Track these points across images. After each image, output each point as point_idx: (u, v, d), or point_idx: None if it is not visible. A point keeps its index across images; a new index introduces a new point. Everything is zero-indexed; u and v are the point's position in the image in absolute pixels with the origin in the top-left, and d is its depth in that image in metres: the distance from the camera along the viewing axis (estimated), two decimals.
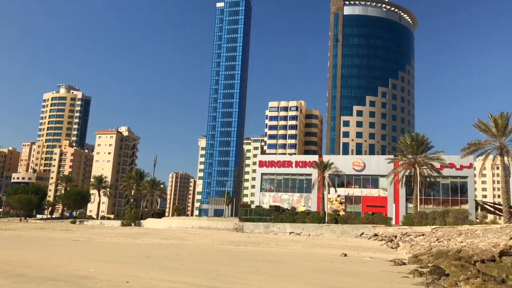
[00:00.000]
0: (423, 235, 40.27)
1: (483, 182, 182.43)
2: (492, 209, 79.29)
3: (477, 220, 57.56)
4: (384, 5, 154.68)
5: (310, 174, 79.87)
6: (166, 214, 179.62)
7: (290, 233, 57.58)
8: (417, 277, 14.07)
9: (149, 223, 72.54)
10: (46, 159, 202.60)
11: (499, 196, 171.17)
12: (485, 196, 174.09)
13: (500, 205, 77.66)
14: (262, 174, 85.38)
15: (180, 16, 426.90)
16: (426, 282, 12.52)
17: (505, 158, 49.03)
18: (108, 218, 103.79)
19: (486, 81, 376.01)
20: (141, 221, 75.11)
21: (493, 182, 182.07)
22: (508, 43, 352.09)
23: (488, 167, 54.93)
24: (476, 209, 74.13)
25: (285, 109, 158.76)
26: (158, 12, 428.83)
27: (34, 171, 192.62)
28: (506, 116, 48.44)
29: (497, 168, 53.18)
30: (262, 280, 12.56)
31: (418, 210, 61.50)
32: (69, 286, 10.55)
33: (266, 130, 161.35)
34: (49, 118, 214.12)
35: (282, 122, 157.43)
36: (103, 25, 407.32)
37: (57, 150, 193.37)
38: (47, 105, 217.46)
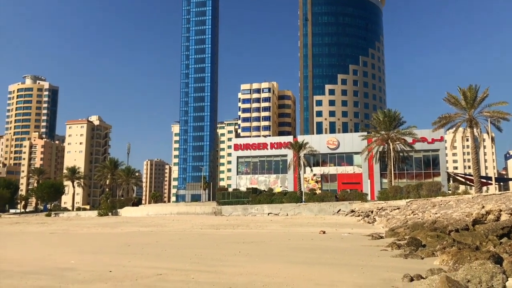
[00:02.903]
0: (398, 208, 41.18)
1: (454, 155, 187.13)
2: (463, 180, 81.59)
3: (450, 192, 59.15)
4: None
5: (286, 155, 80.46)
6: (143, 202, 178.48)
7: (269, 213, 58.10)
8: (395, 250, 14.44)
9: (127, 211, 72.05)
10: (15, 152, 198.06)
11: (469, 167, 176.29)
12: (456, 168, 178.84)
13: (471, 175, 79.98)
14: (238, 157, 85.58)
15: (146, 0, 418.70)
16: (404, 253, 12.87)
17: (475, 130, 50.27)
18: (84, 209, 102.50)
19: (454, 56, 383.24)
20: (118, 210, 74.54)
21: (463, 154, 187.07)
22: (476, 18, 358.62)
23: (459, 139, 56.23)
24: (448, 181, 76.20)
25: (258, 91, 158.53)
26: None
27: (4, 165, 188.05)
28: (474, 88, 49.56)
29: (467, 140, 54.53)
30: (245, 261, 12.69)
31: (393, 184, 62.79)
32: (51, 279, 10.45)
33: (239, 113, 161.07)
34: (16, 110, 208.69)
35: (255, 105, 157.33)
36: (67, 12, 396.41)
37: (26, 143, 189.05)
38: (13, 97, 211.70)
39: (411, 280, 8.79)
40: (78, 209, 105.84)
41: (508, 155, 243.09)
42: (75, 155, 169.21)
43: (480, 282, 7.73)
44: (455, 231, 15.51)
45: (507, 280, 7.76)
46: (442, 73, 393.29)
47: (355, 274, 9.95)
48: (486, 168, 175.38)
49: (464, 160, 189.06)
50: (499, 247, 11.85)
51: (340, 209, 55.15)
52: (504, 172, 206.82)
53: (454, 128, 52.65)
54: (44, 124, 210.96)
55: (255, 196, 67.79)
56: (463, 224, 16.59)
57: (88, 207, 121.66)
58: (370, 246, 16.62)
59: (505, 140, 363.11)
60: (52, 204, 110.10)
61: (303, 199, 64.76)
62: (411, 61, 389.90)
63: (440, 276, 7.84)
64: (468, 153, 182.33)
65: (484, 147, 51.20)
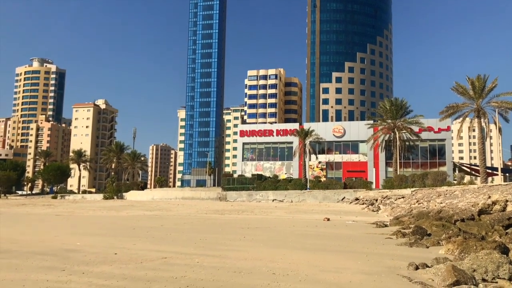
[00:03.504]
0: (403, 197, 41.14)
1: (460, 145, 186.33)
2: (469, 170, 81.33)
3: (455, 181, 58.94)
4: None
5: (291, 142, 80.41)
6: (148, 186, 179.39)
7: (273, 200, 58.28)
8: (400, 238, 14.43)
9: (132, 195, 72.45)
10: (22, 134, 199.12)
11: (475, 158, 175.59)
12: (461, 158, 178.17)
13: (477, 166, 79.66)
14: (244, 144, 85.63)
15: None
16: (409, 242, 12.85)
17: (482, 120, 49.89)
18: (90, 192, 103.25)
19: (463, 45, 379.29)
20: (124, 193, 74.95)
21: (470, 144, 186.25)
22: (486, 8, 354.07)
23: (465, 129, 55.84)
24: (454, 171, 75.91)
25: (264, 77, 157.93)
26: None
27: (11, 147, 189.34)
28: (483, 78, 49.06)
29: (473, 130, 54.25)
30: (250, 246, 12.73)
31: (398, 173, 62.63)
32: (57, 259, 10.53)
33: (245, 99, 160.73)
34: (23, 92, 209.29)
35: (261, 91, 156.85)
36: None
37: (33, 125, 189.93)
38: (20, 79, 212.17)
39: (416, 268, 8.77)
40: (84, 192, 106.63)
41: None
42: (81, 138, 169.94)
43: (486, 271, 7.70)
44: (460, 220, 15.47)
45: None
46: (450, 63, 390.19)
47: (359, 261, 9.95)
48: (492, 158, 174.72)
49: (470, 151, 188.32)
50: (505, 237, 11.80)
51: (344, 197, 55.20)
52: (509, 163, 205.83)
53: (461, 118, 52.28)
54: (51, 107, 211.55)
55: (260, 183, 67.93)
56: (468, 214, 16.54)
57: (94, 190, 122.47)
58: (375, 234, 16.62)
59: (511, 131, 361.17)
60: (58, 187, 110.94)
61: (308, 186, 64.83)
62: (419, 50, 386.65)
63: (446, 265, 7.82)
64: (474, 144, 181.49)
65: (490, 137, 50.76)
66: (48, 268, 9.42)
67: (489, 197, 17.93)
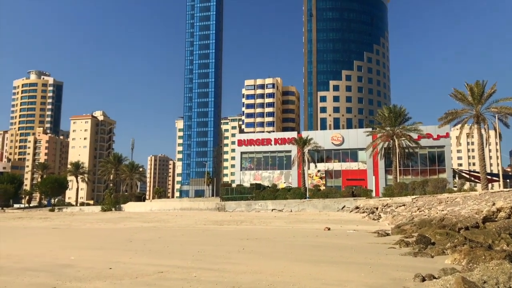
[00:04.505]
0: (404, 205, 40.73)
1: (458, 151, 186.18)
2: (468, 177, 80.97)
3: (456, 188, 58.56)
4: None
5: (290, 151, 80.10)
6: (147, 197, 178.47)
7: (272, 210, 57.78)
8: (404, 247, 14.04)
9: (130, 207, 71.88)
10: (20, 147, 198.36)
11: (474, 164, 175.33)
12: (460, 165, 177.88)
13: (476, 172, 79.38)
14: (242, 153, 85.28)
15: None
16: (414, 252, 12.47)
17: (482, 126, 49.64)
18: (88, 204, 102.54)
19: (460, 51, 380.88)
20: (122, 205, 74.38)
21: (468, 150, 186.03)
22: (482, 13, 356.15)
23: (464, 136, 55.61)
24: (454, 177, 75.59)
25: (262, 86, 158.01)
26: None
27: (9, 160, 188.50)
28: (481, 84, 48.89)
29: (472, 136, 54.03)
30: (250, 259, 12.33)
31: (398, 181, 62.22)
32: (49, 276, 10.13)
33: (243, 108, 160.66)
34: (20, 105, 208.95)
35: (259, 100, 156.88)
36: (72, 7, 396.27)
37: (31, 138, 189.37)
38: (17, 92, 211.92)
39: (423, 280, 8.40)
40: (82, 204, 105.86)
41: None
42: (79, 150, 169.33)
43: (497, 283, 7.33)
44: (465, 228, 15.11)
45: None
46: (448, 70, 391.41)
47: (363, 273, 9.57)
48: (491, 165, 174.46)
49: (468, 157, 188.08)
50: None
51: (344, 206, 54.73)
52: (508, 169, 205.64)
53: (460, 124, 52.03)
54: (48, 119, 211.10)
55: (258, 192, 67.46)
56: (472, 221, 16.18)
57: (92, 202, 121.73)
58: (377, 243, 16.22)
59: (510, 137, 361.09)
60: (56, 199, 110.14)
61: (307, 195, 64.37)
62: (416, 57, 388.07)
63: (455, 277, 7.44)
64: (473, 150, 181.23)
65: (489, 143, 50.47)
66: (39, 285, 9.03)
67: (494, 204, 17.59)
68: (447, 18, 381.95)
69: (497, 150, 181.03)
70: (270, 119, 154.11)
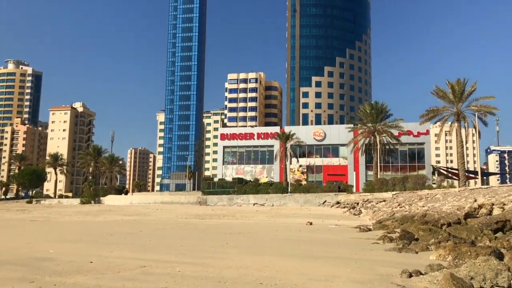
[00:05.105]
0: (384, 201, 41.09)
1: (437, 148, 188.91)
2: (446, 173, 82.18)
3: (435, 185, 59.40)
4: None
5: (272, 146, 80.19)
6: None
7: (254, 204, 57.78)
8: (388, 243, 14.06)
9: (110, 200, 71.12)
10: None
11: (451, 162, 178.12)
12: (438, 162, 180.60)
13: (454, 169, 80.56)
14: (224, 147, 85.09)
15: None
16: (398, 247, 12.48)
17: (462, 124, 50.35)
18: (66, 197, 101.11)
19: (441, 50, 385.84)
20: (101, 198, 73.54)
21: (446, 148, 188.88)
22: (463, 11, 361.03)
23: (443, 133, 56.37)
24: (433, 174, 76.69)
25: (245, 81, 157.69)
26: None
27: None
28: (462, 82, 49.58)
29: (450, 134, 54.85)
30: (234, 253, 12.19)
31: (378, 177, 62.82)
32: (27, 270, 9.81)
33: (226, 103, 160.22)
34: None
35: (242, 95, 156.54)
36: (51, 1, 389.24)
37: (8, 129, 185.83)
38: None
39: (410, 276, 8.36)
40: (61, 196, 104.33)
41: (489, 150, 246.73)
42: (58, 142, 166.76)
43: (484, 279, 7.32)
44: (447, 225, 15.21)
45: None
46: (429, 68, 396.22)
47: (349, 268, 9.51)
48: (467, 162, 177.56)
49: (446, 154, 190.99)
50: (495, 242, 11.53)
51: (325, 200, 55.04)
52: (484, 167, 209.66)
53: (441, 122, 52.70)
54: (27, 110, 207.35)
55: (240, 186, 67.40)
56: (454, 217, 16.31)
57: (70, 194, 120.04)
58: (360, 238, 16.23)
59: (486, 135, 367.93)
60: (34, 191, 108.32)
61: (289, 190, 64.56)
62: (398, 54, 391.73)
63: (444, 273, 7.41)
64: (451, 147, 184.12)
65: (467, 141, 51.38)
66: (16, 280, 8.72)
67: (475, 200, 17.78)
68: (429, 16, 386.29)
69: (474, 148, 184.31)
70: (253, 113, 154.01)
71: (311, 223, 25.00)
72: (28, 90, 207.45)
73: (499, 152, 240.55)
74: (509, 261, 8.56)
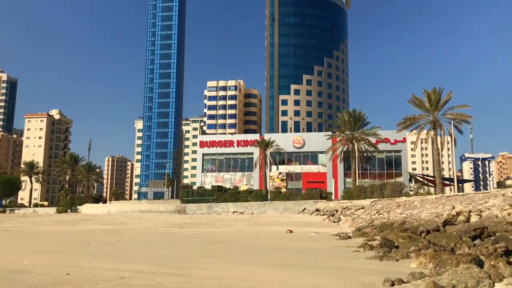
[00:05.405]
0: (363, 208, 41.38)
1: (413, 156, 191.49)
2: (422, 181, 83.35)
3: (412, 192, 60.13)
4: None
5: (252, 153, 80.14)
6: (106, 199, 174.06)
7: (234, 212, 57.55)
8: (368, 251, 14.09)
9: (87, 208, 69.92)
10: None
11: (427, 169, 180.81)
12: (414, 169, 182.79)
13: (430, 176, 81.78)
14: (204, 155, 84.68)
15: None
16: (379, 255, 12.51)
17: (438, 132, 51.17)
18: (42, 206, 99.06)
19: (417, 58, 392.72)
20: (78, 207, 72.28)
21: (422, 155, 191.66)
22: (438, 20, 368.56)
23: (419, 140, 57.26)
24: (410, 181, 77.67)
25: (224, 88, 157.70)
26: None
27: None
28: (438, 91, 50.50)
29: (426, 142, 55.99)
30: (215, 263, 12.04)
31: (357, 184, 63.29)
32: (0, 283, 9.50)
33: (205, 110, 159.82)
34: None
35: (221, 102, 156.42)
36: (28, 5, 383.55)
37: None
38: None
39: (392, 284, 8.36)
40: (36, 205, 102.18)
41: (463, 157, 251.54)
42: (33, 149, 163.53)
43: (466, 287, 7.37)
44: (426, 232, 15.34)
45: (494, 286, 7.44)
46: (405, 76, 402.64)
47: (331, 277, 9.47)
48: (442, 169, 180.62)
49: (422, 162, 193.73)
50: (473, 249, 11.64)
51: (305, 208, 55.15)
52: (459, 174, 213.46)
53: (418, 130, 53.51)
54: (1, 117, 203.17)
55: (220, 194, 67.06)
56: (433, 225, 16.47)
57: (46, 203, 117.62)
58: (341, 246, 16.25)
59: (460, 143, 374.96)
60: (8, 200, 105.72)
61: (269, 198, 64.51)
62: (375, 63, 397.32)
63: (426, 282, 7.43)
64: (426, 155, 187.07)
65: (442, 149, 52.35)
66: None
67: (453, 207, 17.99)
68: (406, 25, 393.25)
69: (449, 156, 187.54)
70: (232, 121, 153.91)
71: (291, 231, 24.98)
72: (3, 97, 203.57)
73: (473, 159, 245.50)
74: (489, 268, 8.64)
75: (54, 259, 13.49)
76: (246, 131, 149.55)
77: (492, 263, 9.04)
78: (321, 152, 78.74)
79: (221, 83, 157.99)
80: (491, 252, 10.31)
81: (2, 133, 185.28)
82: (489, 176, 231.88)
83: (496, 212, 15.83)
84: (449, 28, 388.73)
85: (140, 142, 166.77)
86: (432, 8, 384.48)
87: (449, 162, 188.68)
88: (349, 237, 20.37)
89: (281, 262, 12.09)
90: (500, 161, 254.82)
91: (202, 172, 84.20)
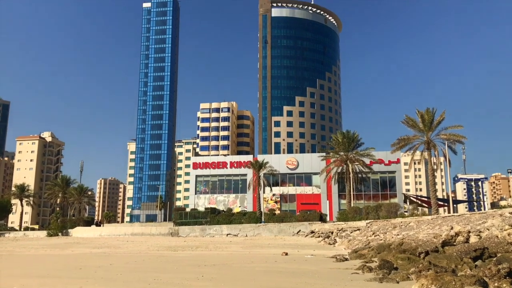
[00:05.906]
0: (358, 229, 41.01)
1: (406, 177, 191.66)
2: (417, 201, 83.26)
3: (407, 213, 59.88)
4: (310, 8, 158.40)
5: (245, 175, 79.74)
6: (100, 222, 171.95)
7: (227, 234, 56.86)
8: (367, 273, 13.80)
9: (78, 232, 68.87)
10: None
11: (421, 190, 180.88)
12: (408, 190, 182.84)
13: (424, 197, 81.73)
14: (197, 176, 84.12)
15: (105, 17, 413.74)
16: (378, 277, 12.23)
17: (432, 152, 51.23)
18: (33, 229, 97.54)
19: (409, 78, 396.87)
20: (69, 230, 71.18)
21: (415, 176, 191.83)
22: (429, 40, 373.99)
23: (413, 161, 57.21)
24: (405, 202, 77.48)
25: (217, 110, 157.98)
26: (81, 13, 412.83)
27: None
28: (432, 111, 50.72)
29: (419, 163, 56.06)
30: (209, 286, 11.69)
31: (351, 205, 62.95)
32: None
33: (198, 132, 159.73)
34: None
35: (214, 124, 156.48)
36: (20, 26, 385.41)
37: None
38: None
39: None
40: (26, 228, 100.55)
41: (456, 178, 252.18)
42: (25, 172, 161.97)
43: None
44: (425, 253, 15.07)
45: None
46: (398, 97, 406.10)
47: None
48: (436, 190, 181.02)
49: (416, 183, 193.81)
50: (475, 270, 11.41)
51: (300, 230, 54.61)
52: (453, 195, 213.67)
53: (412, 150, 53.56)
54: None
55: (213, 217, 66.37)
56: (432, 245, 16.21)
57: (37, 226, 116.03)
58: (338, 268, 15.93)
59: (453, 164, 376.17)
60: None
61: (263, 220, 63.90)
62: (366, 84, 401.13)
63: None
64: (420, 176, 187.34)
65: (435, 170, 52.63)
66: None
67: (452, 228, 17.77)
68: (396, 46, 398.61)
69: (442, 176, 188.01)
70: (225, 142, 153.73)
71: (286, 254, 24.58)
72: None
73: (466, 180, 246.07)
74: None
75: (44, 284, 13.07)
76: (239, 153, 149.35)
77: (496, 284, 8.82)
78: (315, 174, 78.54)
79: (214, 104, 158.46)
80: (494, 274, 10.06)
81: None
82: (483, 197, 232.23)
83: (496, 232, 15.63)
84: (441, 45, 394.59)
85: (132, 164, 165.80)
86: (423, 25, 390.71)
87: (442, 183, 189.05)
88: (346, 259, 20.05)
89: (278, 285, 11.77)
90: (493, 182, 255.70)
91: (195, 194, 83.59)
